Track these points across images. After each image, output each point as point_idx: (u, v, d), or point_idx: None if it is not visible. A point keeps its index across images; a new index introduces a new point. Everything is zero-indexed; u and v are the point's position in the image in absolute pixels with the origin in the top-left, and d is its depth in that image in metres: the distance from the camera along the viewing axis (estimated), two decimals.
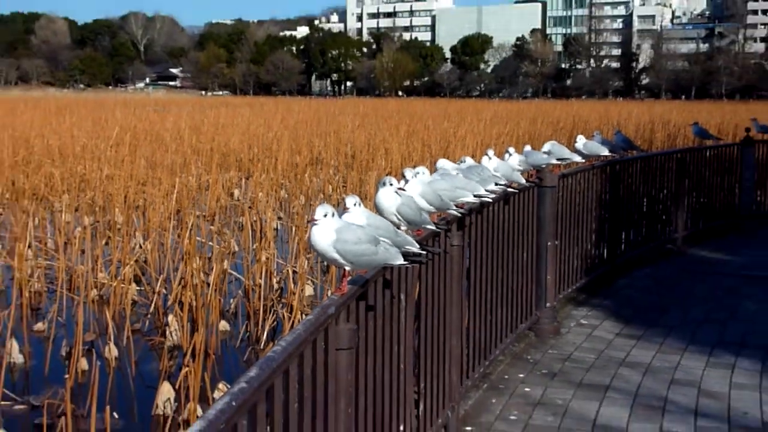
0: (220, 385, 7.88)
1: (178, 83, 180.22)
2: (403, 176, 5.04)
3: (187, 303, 10.05)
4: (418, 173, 5.13)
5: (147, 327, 10.23)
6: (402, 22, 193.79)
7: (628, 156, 11.19)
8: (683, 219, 12.49)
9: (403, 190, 4.73)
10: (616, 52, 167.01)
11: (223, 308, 10.48)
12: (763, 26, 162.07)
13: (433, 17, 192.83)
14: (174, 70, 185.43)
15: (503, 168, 6.80)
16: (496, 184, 6.32)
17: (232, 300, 11.10)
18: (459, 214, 5.67)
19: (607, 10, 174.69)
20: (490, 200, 6.23)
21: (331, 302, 3.67)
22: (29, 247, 12.77)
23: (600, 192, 9.77)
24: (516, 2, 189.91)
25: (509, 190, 6.77)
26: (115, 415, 7.13)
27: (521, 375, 7.03)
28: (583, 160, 9.45)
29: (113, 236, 13.67)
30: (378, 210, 4.59)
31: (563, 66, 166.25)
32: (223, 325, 9.98)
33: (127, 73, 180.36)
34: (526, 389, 6.69)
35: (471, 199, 5.75)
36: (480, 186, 5.93)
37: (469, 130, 32.35)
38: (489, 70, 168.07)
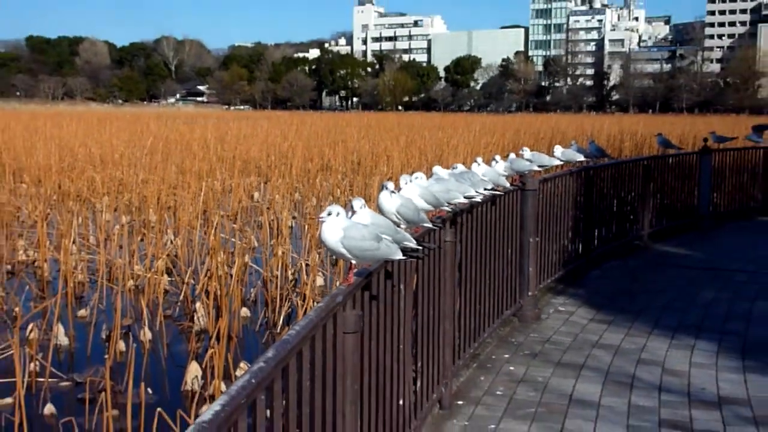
0: (242, 365, 7.89)
1: (204, 99, 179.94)
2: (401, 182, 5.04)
3: (212, 292, 10.06)
4: (416, 177, 5.14)
5: (177, 313, 10.23)
6: (401, 45, 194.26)
7: (601, 163, 11.20)
8: (649, 218, 12.49)
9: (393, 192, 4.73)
10: (590, 71, 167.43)
11: (244, 297, 10.48)
12: (719, 49, 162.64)
13: (429, 41, 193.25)
14: (201, 87, 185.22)
15: (490, 173, 6.82)
16: (485, 189, 6.32)
17: (252, 289, 11.09)
18: (451, 211, 5.70)
19: (582, 35, 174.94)
20: (479, 201, 6.24)
21: (339, 291, 3.67)
22: (73, 242, 12.80)
23: (576, 194, 9.76)
24: (502, 27, 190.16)
25: (496, 192, 6.76)
26: (149, 390, 7.13)
27: (506, 355, 7.02)
28: (561, 164, 9.47)
29: (147, 233, 13.69)
30: (380, 210, 4.59)
31: (543, 84, 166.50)
32: (244, 311, 9.97)
33: (159, 89, 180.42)
34: (511, 368, 6.69)
35: (462, 199, 5.76)
36: (470, 188, 5.95)
37: (460, 140, 32.33)
38: (478, 87, 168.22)
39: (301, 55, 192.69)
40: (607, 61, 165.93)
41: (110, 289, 10.76)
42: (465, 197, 5.82)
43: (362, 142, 33.03)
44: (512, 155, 8.14)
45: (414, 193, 5.01)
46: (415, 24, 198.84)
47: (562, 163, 9.43)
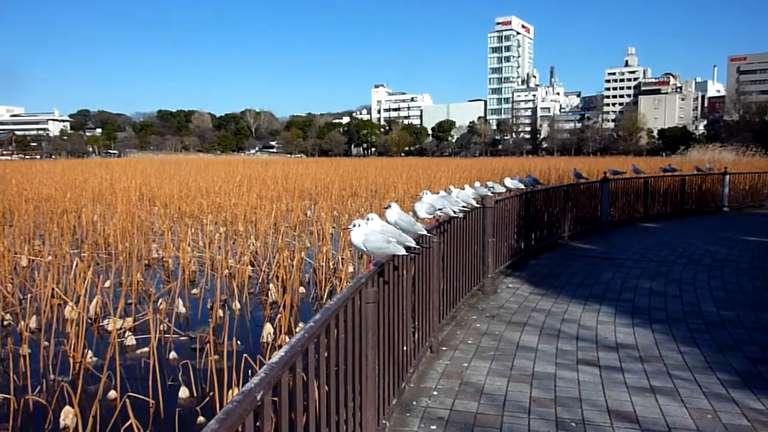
0: (300, 324, 7.87)
1: (274, 150, 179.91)
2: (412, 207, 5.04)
3: (280, 276, 10.07)
4: (423, 195, 5.17)
5: (257, 291, 10.23)
6: (403, 113, 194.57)
7: (536, 188, 11.16)
8: (568, 225, 12.44)
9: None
10: (528, 129, 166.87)
11: (301, 279, 10.47)
12: (612, 112, 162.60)
13: (421, 110, 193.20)
14: (272, 143, 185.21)
15: (463, 195, 6.81)
16: (461, 206, 6.31)
17: (306, 275, 11.09)
18: (437, 224, 5.69)
19: (522, 105, 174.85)
20: (454, 214, 6.22)
21: (362, 276, 3.66)
22: (188, 245, 12.84)
23: (519, 210, 9.72)
24: (469, 101, 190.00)
25: (466, 209, 6.75)
26: (238, 342, 7.12)
27: (474, 317, 6.98)
28: (509, 191, 9.44)
29: (237, 238, 13.72)
30: (387, 221, 4.60)
31: (497, 137, 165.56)
32: (301, 289, 9.96)
33: (244, 144, 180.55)
34: (477, 325, 6.64)
35: (449, 211, 5.78)
36: (450, 205, 5.95)
37: (442, 175, 32.24)
38: (453, 140, 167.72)
39: (337, 120, 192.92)
40: (539, 122, 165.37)
41: (212, 275, 10.78)
42: (445, 209, 5.83)
43: (378, 177, 33.00)
44: (477, 184, 8.13)
45: (421, 207, 5.12)
46: (412, 99, 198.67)
47: (510, 189, 9.41)
